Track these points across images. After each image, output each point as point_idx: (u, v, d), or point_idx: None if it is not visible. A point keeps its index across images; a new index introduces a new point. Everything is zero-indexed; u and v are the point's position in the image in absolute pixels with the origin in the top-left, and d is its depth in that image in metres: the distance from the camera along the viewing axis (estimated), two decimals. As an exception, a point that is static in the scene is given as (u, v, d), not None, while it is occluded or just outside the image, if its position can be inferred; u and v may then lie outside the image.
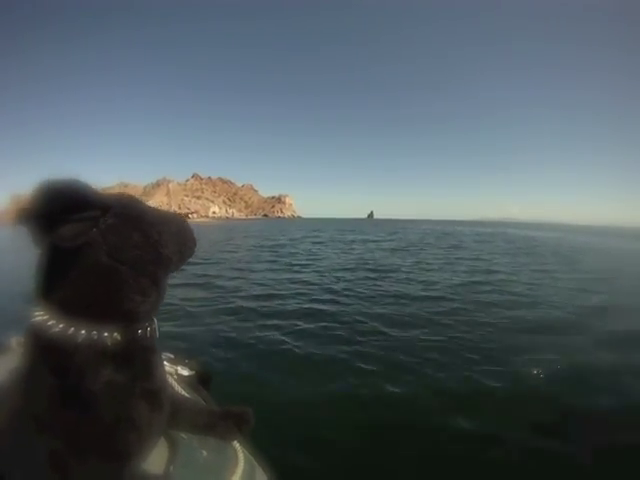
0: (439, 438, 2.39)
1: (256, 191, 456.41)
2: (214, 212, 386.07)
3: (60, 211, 0.49)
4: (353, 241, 22.78)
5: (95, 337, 0.55)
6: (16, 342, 0.99)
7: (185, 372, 0.99)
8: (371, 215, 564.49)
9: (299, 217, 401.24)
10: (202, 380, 1.01)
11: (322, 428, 2.43)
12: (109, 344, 0.56)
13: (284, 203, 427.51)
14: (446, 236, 31.55)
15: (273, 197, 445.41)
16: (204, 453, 0.72)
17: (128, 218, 0.58)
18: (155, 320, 0.66)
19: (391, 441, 2.36)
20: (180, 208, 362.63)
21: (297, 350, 3.84)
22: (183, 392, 0.89)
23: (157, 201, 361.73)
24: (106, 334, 0.56)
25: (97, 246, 0.54)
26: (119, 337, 0.57)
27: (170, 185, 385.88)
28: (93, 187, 0.55)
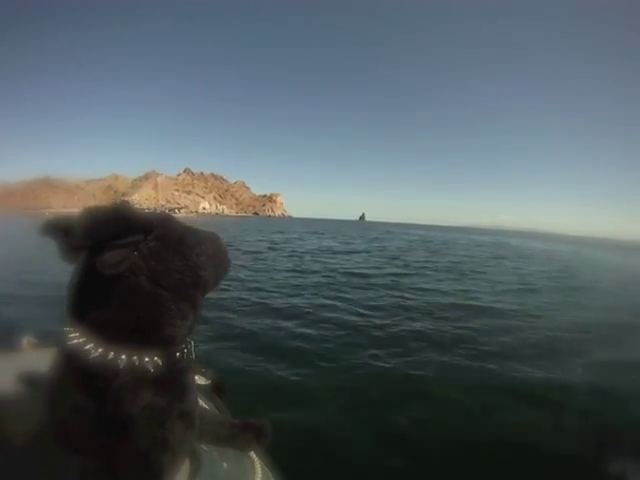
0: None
1: (248, 188, 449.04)
2: (204, 208, 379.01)
3: (106, 239, 0.48)
4: (303, 253, 15.34)
5: (136, 362, 0.54)
6: (27, 342, 0.99)
7: (201, 381, 0.92)
8: (363, 217, 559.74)
9: (290, 217, 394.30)
10: (217, 389, 0.95)
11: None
12: (151, 369, 0.55)
13: (275, 202, 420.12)
14: (440, 247, 24.46)
15: (264, 195, 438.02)
16: (225, 465, 0.73)
17: (169, 241, 0.56)
18: (191, 342, 0.65)
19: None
20: (170, 202, 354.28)
21: None
22: (202, 403, 0.87)
23: (144, 194, 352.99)
24: (147, 359, 0.55)
25: (139, 271, 0.53)
26: (160, 362, 0.56)
27: (158, 178, 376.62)
28: (135, 209, 0.54)
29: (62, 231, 0.48)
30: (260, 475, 0.72)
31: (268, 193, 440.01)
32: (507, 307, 6.80)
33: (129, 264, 0.51)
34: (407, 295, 7.38)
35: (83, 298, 0.54)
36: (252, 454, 0.78)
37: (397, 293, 7.61)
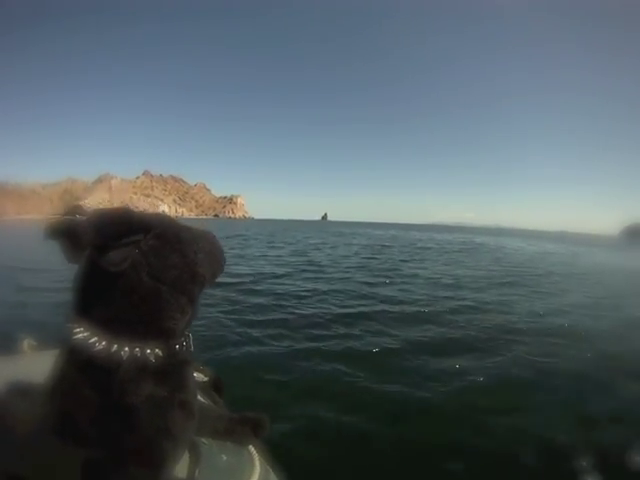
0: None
1: (209, 190, 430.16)
2: (163, 211, 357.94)
3: (112, 238, 0.51)
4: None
5: (138, 354, 0.55)
6: (27, 345, 0.99)
7: (200, 378, 0.94)
8: (325, 217, 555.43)
9: (251, 218, 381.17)
10: (215, 387, 0.96)
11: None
12: (152, 360, 0.56)
13: (235, 203, 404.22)
14: (395, 256, 16.57)
15: (225, 197, 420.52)
16: (224, 457, 0.74)
17: (167, 239, 0.58)
18: (190, 335, 0.66)
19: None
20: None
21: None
22: (201, 399, 0.87)
23: (98, 198, 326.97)
24: (148, 351, 0.56)
25: (140, 267, 0.55)
26: (160, 353, 0.58)
27: (113, 181, 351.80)
28: (136, 210, 0.58)
29: (66, 233, 0.49)
30: (259, 468, 0.72)
31: (229, 195, 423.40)
32: None
33: (131, 261, 0.53)
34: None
35: (87, 295, 0.55)
36: (251, 447, 0.78)
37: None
